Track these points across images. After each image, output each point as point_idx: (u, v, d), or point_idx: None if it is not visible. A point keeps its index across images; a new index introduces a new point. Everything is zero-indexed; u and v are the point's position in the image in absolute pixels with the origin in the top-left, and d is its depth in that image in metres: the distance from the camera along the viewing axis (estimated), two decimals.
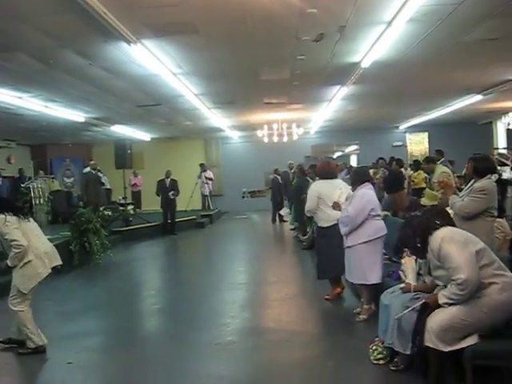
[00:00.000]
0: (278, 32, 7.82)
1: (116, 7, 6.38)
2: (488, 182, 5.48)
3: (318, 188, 7.21)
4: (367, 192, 6.33)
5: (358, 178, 6.51)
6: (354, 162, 25.06)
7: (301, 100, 14.50)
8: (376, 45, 8.57)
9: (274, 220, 18.71)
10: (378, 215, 6.36)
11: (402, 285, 4.76)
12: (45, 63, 8.84)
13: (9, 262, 5.49)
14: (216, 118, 17.32)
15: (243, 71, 10.54)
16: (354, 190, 6.51)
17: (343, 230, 6.32)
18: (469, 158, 5.76)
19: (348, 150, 26.89)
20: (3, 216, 5.44)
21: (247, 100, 14.23)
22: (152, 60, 8.79)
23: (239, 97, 13.70)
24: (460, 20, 7.50)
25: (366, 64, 9.72)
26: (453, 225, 4.38)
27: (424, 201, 8.52)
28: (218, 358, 5.39)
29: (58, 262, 5.93)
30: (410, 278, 4.84)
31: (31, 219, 5.94)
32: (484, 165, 5.59)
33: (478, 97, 14.90)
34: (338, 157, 25.23)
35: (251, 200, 24.46)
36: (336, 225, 6.63)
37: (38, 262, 5.59)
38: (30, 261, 5.52)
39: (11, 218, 5.47)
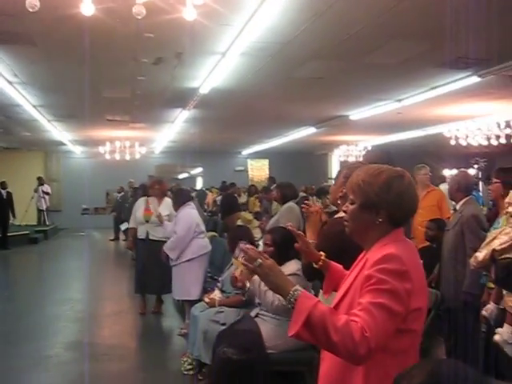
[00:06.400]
0: (116, 51, 7.91)
1: None
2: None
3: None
4: (189, 211, 6.67)
5: (180, 198, 6.83)
6: (200, 183, 25.46)
7: (143, 119, 14.56)
8: (213, 73, 8.97)
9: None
10: (202, 232, 6.71)
11: (207, 299, 5.10)
12: None
13: None
14: (57, 132, 16.85)
15: (84, 86, 10.39)
16: (176, 210, 6.80)
17: (172, 254, 6.54)
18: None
19: (194, 171, 27.31)
20: None
21: (89, 115, 13.91)
22: None
23: (80, 111, 13.40)
24: (288, 58, 8.08)
25: (204, 90, 10.09)
26: None
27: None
28: (36, 371, 5.38)
29: None
30: (216, 294, 5.18)
31: None
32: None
33: (312, 129, 15.92)
34: (184, 178, 25.51)
35: (91, 217, 23.89)
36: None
37: None
38: None
39: None
